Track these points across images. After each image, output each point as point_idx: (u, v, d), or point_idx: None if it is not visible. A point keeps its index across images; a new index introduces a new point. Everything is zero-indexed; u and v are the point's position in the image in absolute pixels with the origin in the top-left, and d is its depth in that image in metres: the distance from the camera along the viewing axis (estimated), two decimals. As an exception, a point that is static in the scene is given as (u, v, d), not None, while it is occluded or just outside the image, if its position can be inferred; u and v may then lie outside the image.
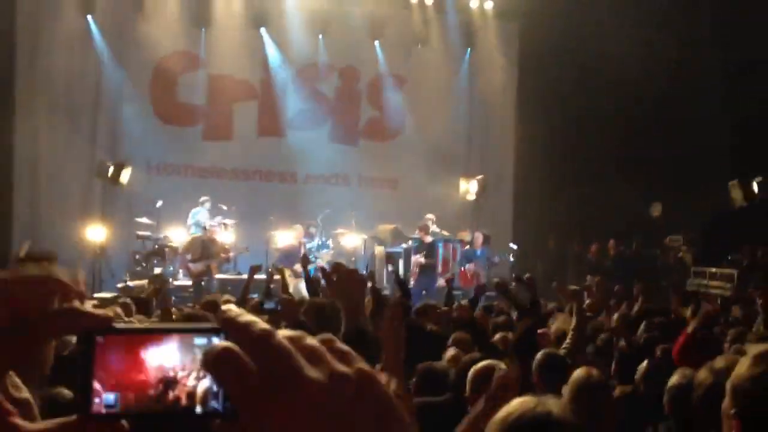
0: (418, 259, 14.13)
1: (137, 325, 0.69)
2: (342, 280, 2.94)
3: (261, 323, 0.63)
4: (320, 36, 16.22)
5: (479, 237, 14.72)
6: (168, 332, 0.67)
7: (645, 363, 4.60)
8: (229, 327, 0.63)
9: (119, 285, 12.65)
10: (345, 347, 0.65)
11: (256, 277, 7.74)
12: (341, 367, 0.62)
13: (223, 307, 0.65)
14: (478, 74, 17.25)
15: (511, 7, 16.43)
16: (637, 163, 15.45)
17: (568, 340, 5.12)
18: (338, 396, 0.61)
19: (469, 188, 15.99)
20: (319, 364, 0.62)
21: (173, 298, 10.88)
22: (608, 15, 14.99)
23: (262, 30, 15.88)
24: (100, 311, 0.68)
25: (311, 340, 0.64)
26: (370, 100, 17.02)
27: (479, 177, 15.78)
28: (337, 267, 2.95)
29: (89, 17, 14.87)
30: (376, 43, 16.56)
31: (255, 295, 8.22)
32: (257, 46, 15.98)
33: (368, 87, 16.97)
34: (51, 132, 14.70)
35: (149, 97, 15.65)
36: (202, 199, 14.41)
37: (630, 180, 15.16)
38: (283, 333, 0.64)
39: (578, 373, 3.42)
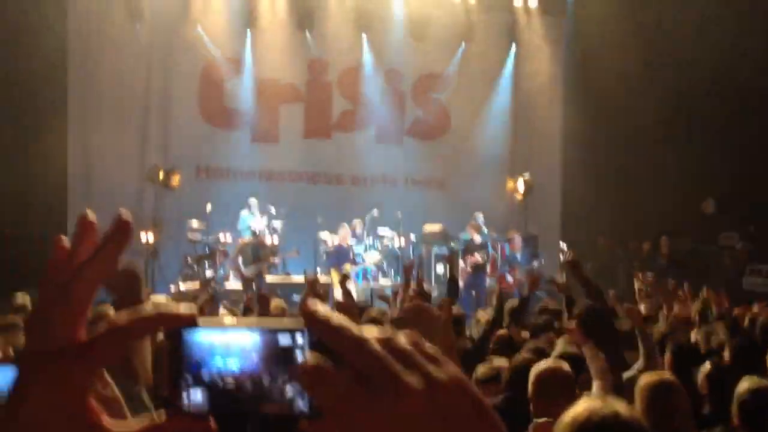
0: (475, 257, 14.05)
1: (223, 321, 0.69)
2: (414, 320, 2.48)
3: (353, 326, 0.62)
4: (363, 36, 16.24)
5: (518, 239, 14.59)
6: (252, 329, 0.67)
7: (708, 366, 4.47)
8: (320, 329, 0.63)
9: (171, 288, 12.84)
10: (433, 349, 0.64)
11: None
12: (437, 373, 0.61)
13: (308, 303, 0.64)
14: (523, 71, 17.07)
15: (556, 2, 16.25)
16: (689, 158, 15.15)
17: (639, 366, 5.03)
18: (436, 403, 0.60)
19: (516, 187, 15.86)
20: (413, 369, 0.61)
21: (224, 301, 10.98)
22: (657, 6, 14.77)
23: (307, 33, 15.95)
24: (185, 309, 0.68)
25: (402, 342, 0.63)
26: (415, 100, 16.97)
27: (526, 176, 15.63)
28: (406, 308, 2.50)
29: (138, 25, 15.10)
30: (419, 43, 16.49)
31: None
32: (302, 48, 16.06)
33: (413, 87, 16.92)
34: (103, 137, 14.99)
35: (197, 101, 15.86)
36: (250, 201, 14.55)
37: (682, 176, 14.89)
38: (371, 332, 0.62)
39: (650, 377, 3.35)
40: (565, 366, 3.64)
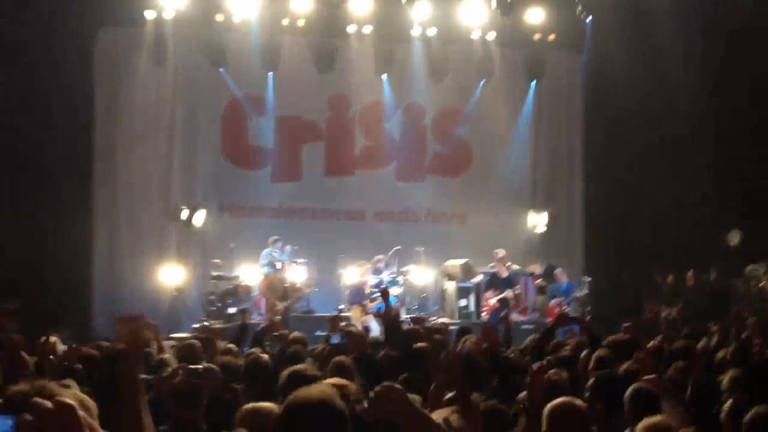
0: (511, 292, 14.37)
1: None
2: None
3: None
4: (384, 76, 16.38)
5: (563, 273, 14.74)
6: None
7: (730, 402, 4.38)
8: None
9: (195, 325, 12.93)
10: None
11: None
12: None
13: None
14: (543, 104, 17.11)
15: (575, 39, 16.31)
16: (713, 189, 15.03)
17: None
18: None
19: (537, 221, 15.83)
20: None
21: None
22: (676, 40, 14.77)
23: (328, 72, 16.12)
24: None
25: None
26: (436, 135, 17.02)
27: (549, 209, 15.62)
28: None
29: (161, 67, 15.37)
30: (439, 79, 16.59)
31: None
32: (323, 87, 16.22)
33: (433, 123, 16.99)
34: (128, 176, 15.24)
35: (220, 140, 16.06)
36: (272, 238, 14.65)
37: (706, 207, 14.77)
38: None
39: None
40: (578, 402, 3.63)
